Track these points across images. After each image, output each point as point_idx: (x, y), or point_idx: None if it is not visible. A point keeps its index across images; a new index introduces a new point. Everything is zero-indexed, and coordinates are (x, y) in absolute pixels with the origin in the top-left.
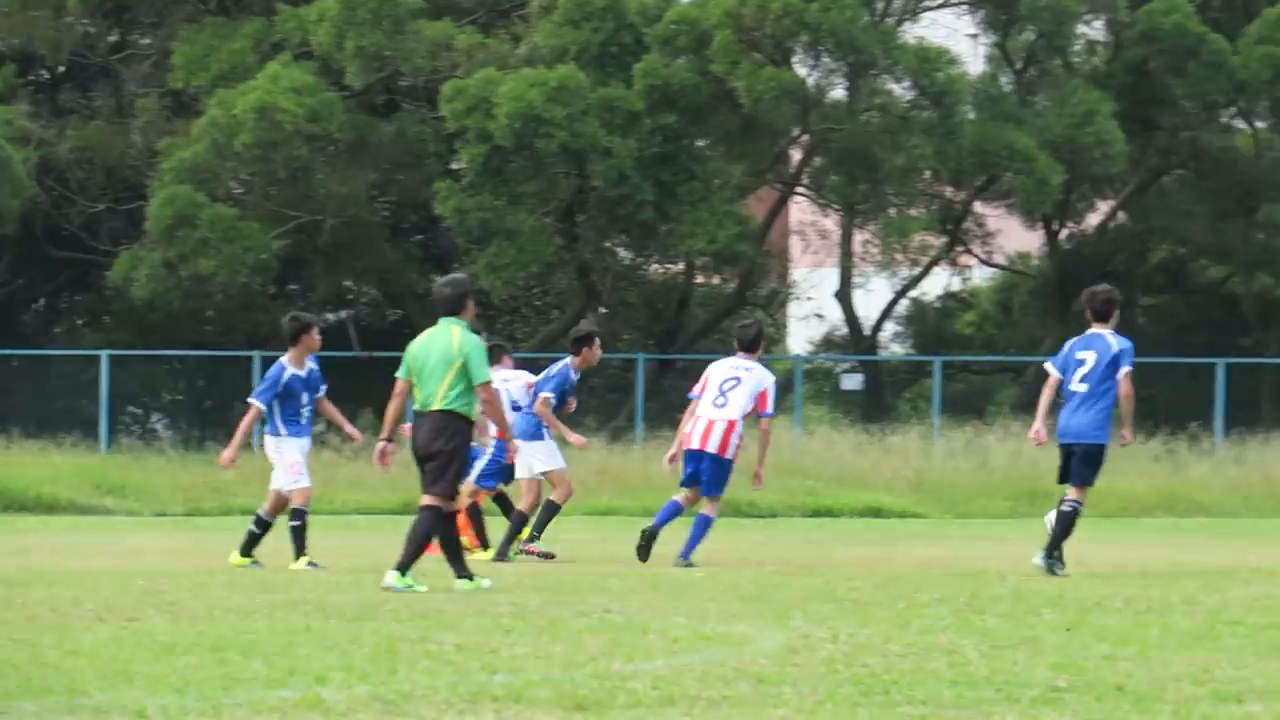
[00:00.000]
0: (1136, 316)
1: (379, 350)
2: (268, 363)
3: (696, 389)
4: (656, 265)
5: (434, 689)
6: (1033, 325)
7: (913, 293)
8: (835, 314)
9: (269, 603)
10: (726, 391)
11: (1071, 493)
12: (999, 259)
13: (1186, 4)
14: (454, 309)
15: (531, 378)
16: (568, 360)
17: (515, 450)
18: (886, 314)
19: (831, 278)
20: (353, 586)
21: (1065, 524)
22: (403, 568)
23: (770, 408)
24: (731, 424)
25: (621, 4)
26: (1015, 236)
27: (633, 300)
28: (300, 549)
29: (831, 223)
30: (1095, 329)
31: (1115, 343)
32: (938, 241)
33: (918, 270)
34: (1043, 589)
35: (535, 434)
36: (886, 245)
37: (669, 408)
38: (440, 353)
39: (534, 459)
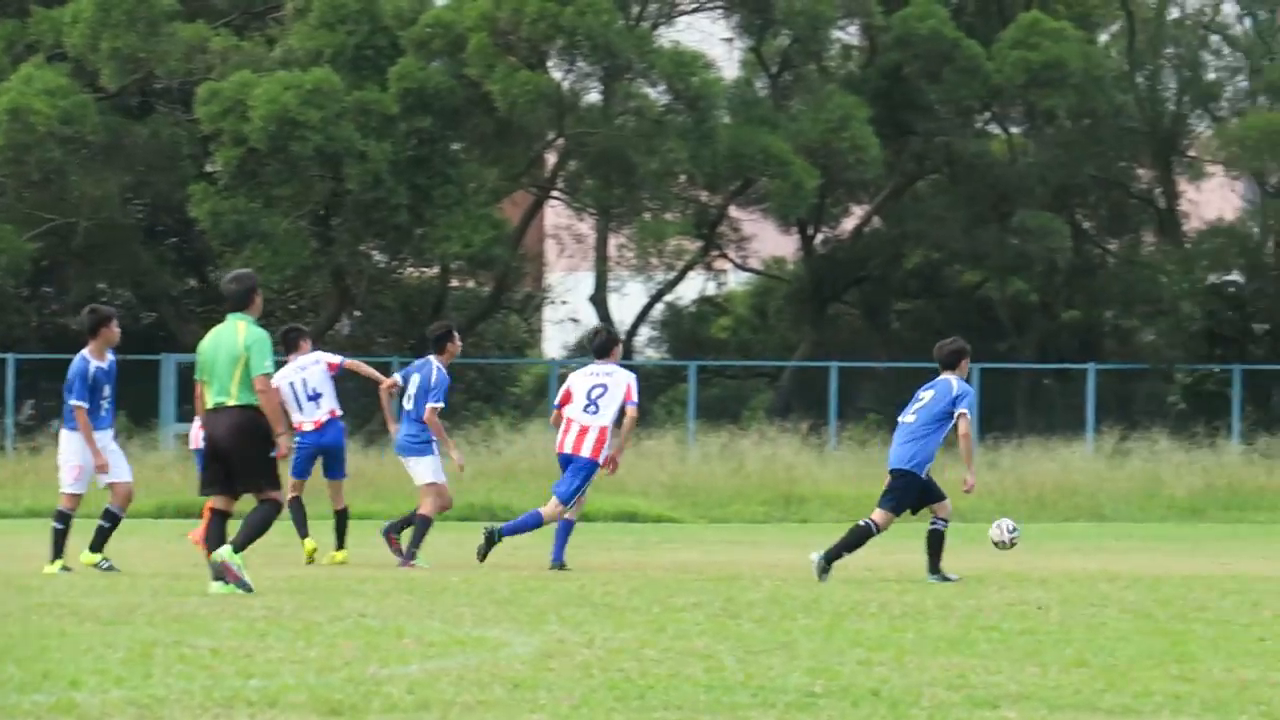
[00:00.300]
0: (891, 321)
1: (133, 353)
2: (20, 365)
3: (558, 399)
4: (411, 269)
5: (189, 693)
6: (788, 330)
7: (668, 297)
8: (590, 318)
9: (23, 606)
10: (596, 399)
11: (876, 514)
12: (754, 263)
13: (941, 9)
14: (241, 304)
15: (333, 358)
16: (435, 363)
17: (287, 450)
18: (642, 318)
19: (587, 281)
20: (107, 590)
21: (856, 538)
22: (237, 546)
23: (635, 397)
24: (604, 430)
25: (376, 7)
26: (770, 241)
27: (388, 303)
28: (58, 552)
29: (587, 226)
30: (943, 376)
31: (957, 386)
32: (693, 246)
33: (673, 274)
34: (798, 594)
35: (424, 448)
36: (642, 249)
37: None
38: (227, 349)
39: (418, 470)
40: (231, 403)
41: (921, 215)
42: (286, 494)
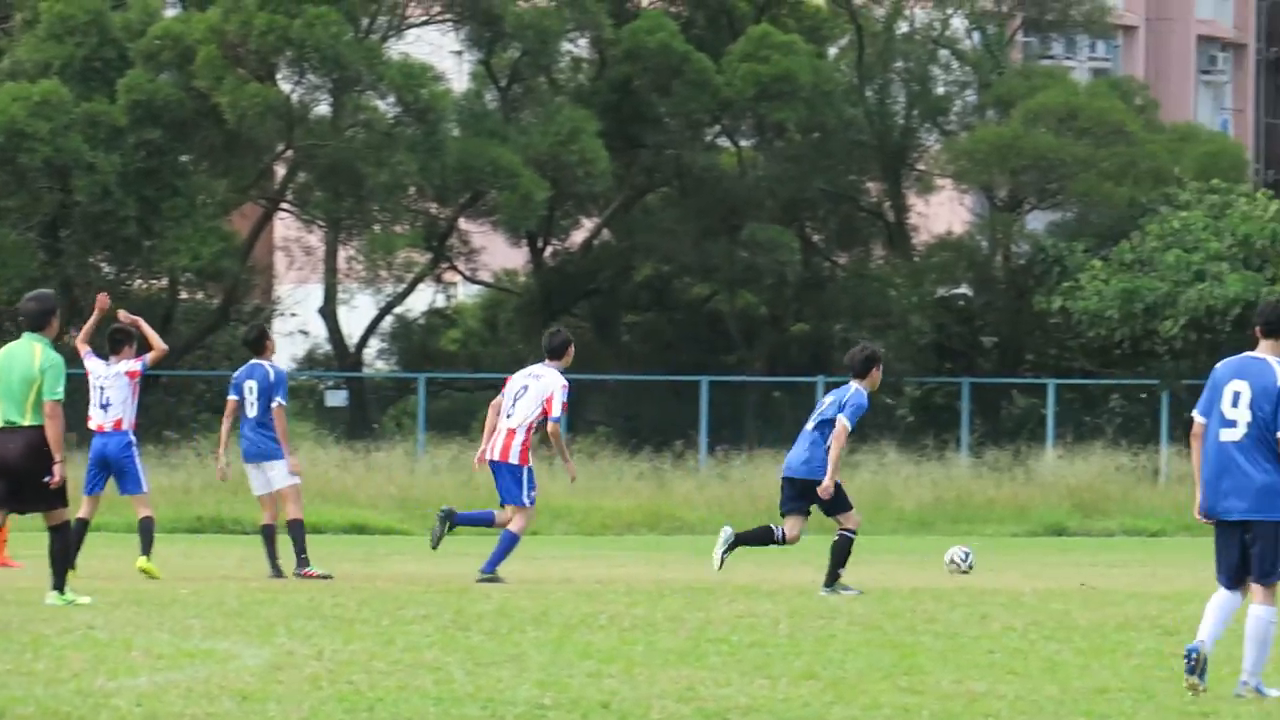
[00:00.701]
0: (621, 334)
1: None
2: None
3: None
4: (140, 281)
5: None
6: (518, 342)
7: (398, 309)
8: (320, 330)
9: None
10: (516, 400)
11: (847, 519)
12: (484, 276)
13: (670, 23)
14: (37, 325)
15: (134, 365)
16: (265, 363)
17: (60, 479)
18: (371, 330)
19: (316, 294)
20: None
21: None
22: (59, 587)
23: (556, 411)
24: (511, 432)
25: (105, 19)
26: (500, 253)
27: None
28: None
29: (316, 239)
30: (849, 383)
31: (850, 393)
32: (423, 258)
33: (403, 287)
34: (528, 606)
35: (278, 450)
36: (371, 261)
37: (152, 423)
38: (22, 370)
39: (273, 475)
40: (25, 423)
41: (651, 228)
42: (79, 512)
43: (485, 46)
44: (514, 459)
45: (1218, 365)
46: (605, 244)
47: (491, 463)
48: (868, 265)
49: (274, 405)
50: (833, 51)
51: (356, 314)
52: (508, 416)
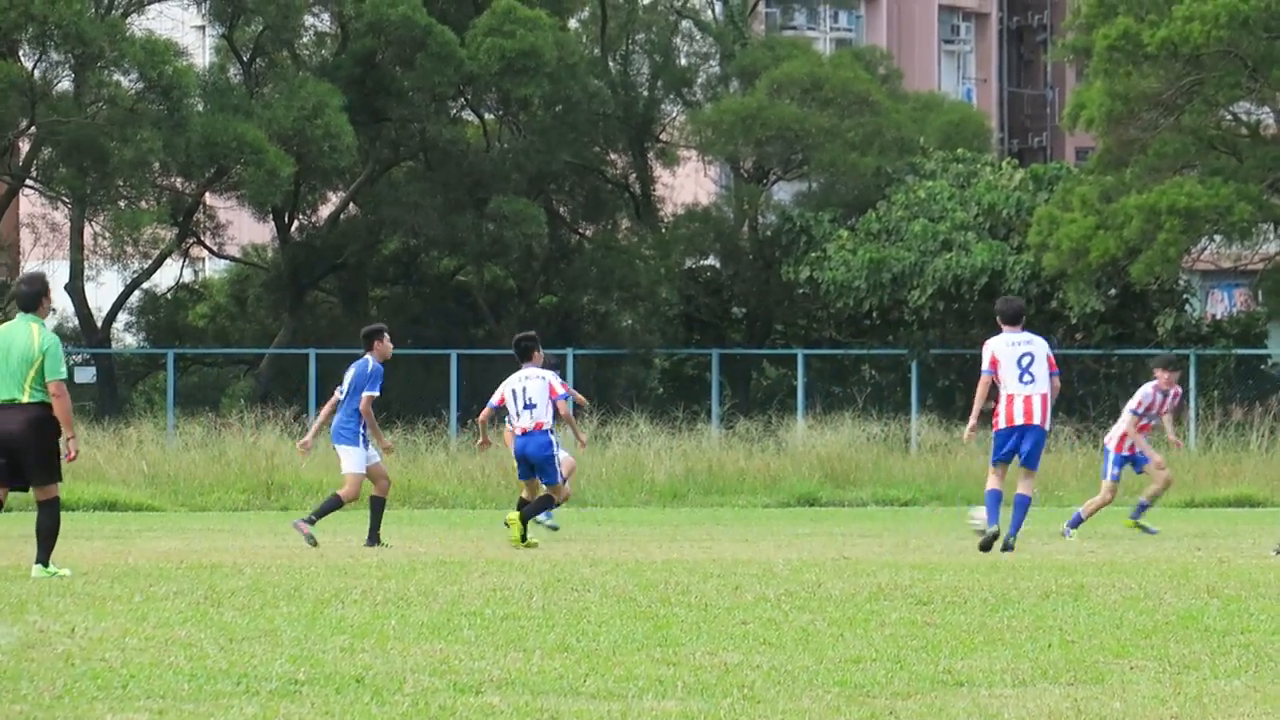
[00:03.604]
0: (369, 308)
1: None
2: None
3: (987, 366)
4: None
5: None
6: (266, 317)
7: (145, 285)
8: (67, 306)
9: None
10: (1028, 368)
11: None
12: (232, 251)
13: None
14: (30, 306)
15: None
16: (369, 358)
17: (76, 453)
18: (119, 306)
19: (63, 270)
20: None
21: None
22: (44, 561)
23: (1057, 368)
24: (1043, 397)
25: None
26: (247, 228)
27: None
28: None
29: (62, 215)
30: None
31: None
32: (169, 234)
33: (149, 263)
34: (280, 582)
35: (353, 438)
36: (118, 238)
37: None
38: (21, 350)
39: (351, 458)
40: (25, 399)
41: (398, 202)
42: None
43: (227, 21)
44: (1048, 425)
45: None
46: (352, 218)
47: (1023, 427)
48: (615, 237)
49: (364, 396)
50: (574, 24)
51: (104, 290)
52: (1029, 383)
